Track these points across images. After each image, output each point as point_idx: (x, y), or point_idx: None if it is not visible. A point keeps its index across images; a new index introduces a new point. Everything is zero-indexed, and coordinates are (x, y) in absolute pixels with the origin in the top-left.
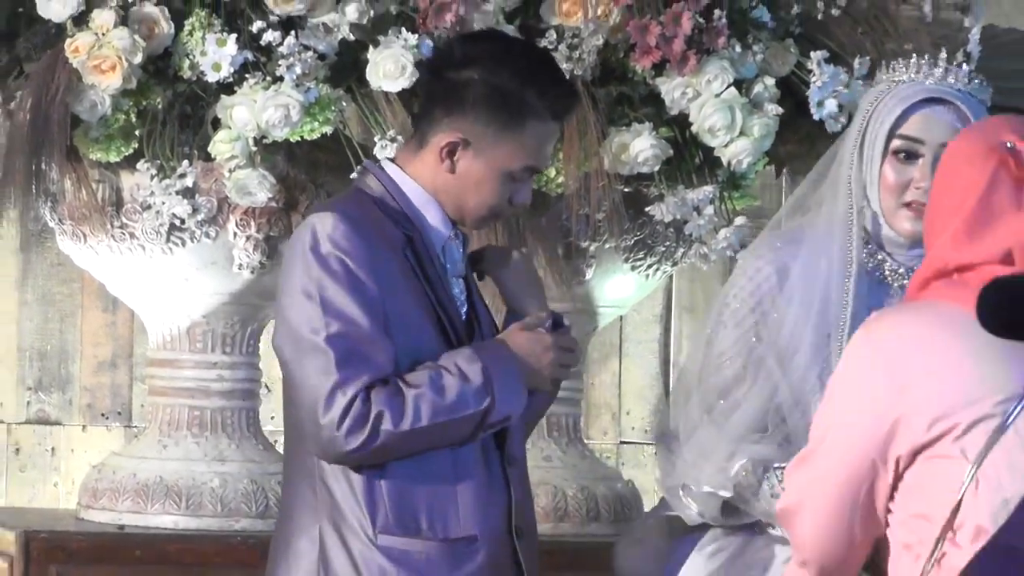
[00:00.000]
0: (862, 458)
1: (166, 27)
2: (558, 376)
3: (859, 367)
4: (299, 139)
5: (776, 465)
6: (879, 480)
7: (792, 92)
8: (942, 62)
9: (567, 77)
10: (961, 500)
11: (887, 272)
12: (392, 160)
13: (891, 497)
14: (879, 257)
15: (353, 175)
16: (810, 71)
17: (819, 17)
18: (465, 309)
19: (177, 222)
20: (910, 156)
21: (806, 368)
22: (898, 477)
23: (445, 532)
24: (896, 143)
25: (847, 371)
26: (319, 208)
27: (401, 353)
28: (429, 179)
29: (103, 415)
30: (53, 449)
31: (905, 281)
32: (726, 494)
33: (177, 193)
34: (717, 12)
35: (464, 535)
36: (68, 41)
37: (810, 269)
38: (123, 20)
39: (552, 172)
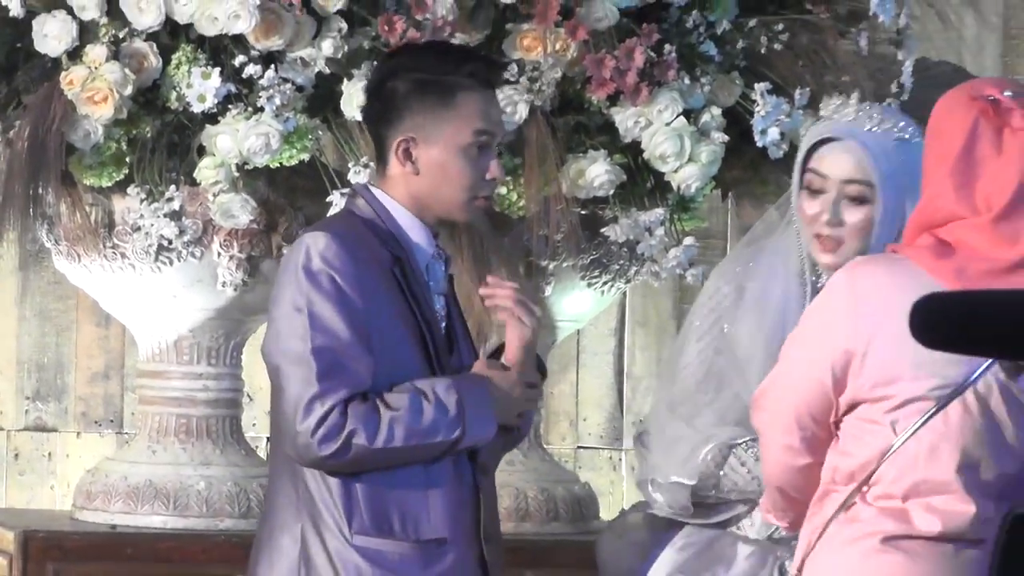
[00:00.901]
0: (813, 378)
1: (155, 61)
2: (525, 409)
3: (831, 294)
4: (278, 165)
5: (739, 440)
6: (826, 405)
7: (737, 121)
8: (854, 102)
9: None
10: (878, 467)
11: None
12: (373, 185)
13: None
14: (818, 272)
15: (329, 199)
16: (754, 101)
17: (762, 51)
18: (444, 325)
19: (165, 243)
20: (815, 191)
21: (761, 376)
22: (837, 420)
23: (417, 533)
24: (806, 176)
25: (820, 298)
26: (313, 228)
27: (384, 366)
28: (405, 192)
29: (96, 422)
30: (50, 454)
31: None
32: (690, 482)
33: (165, 216)
34: (667, 47)
35: (435, 537)
36: (63, 74)
37: (763, 286)
38: (115, 55)
39: (514, 196)
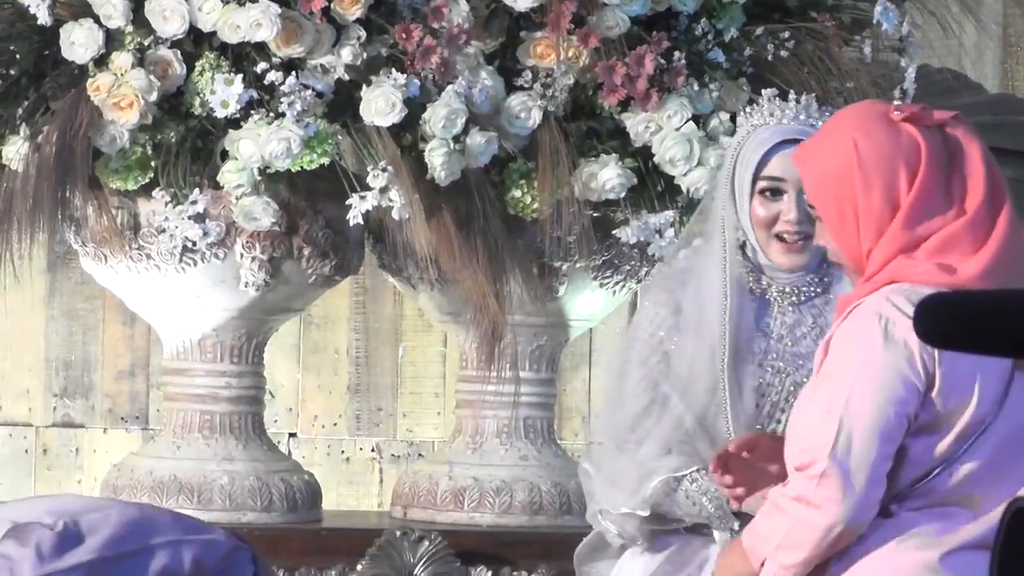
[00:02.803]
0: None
1: (179, 68)
2: None
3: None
4: (299, 169)
5: (685, 472)
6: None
7: None
8: (792, 100)
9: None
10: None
11: (774, 294)
12: None
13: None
14: (764, 283)
15: (348, 201)
16: None
17: (769, 58)
18: None
19: (189, 244)
20: (775, 192)
21: (705, 393)
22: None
23: None
24: (761, 184)
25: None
26: None
27: None
28: None
29: (123, 419)
30: (77, 450)
31: (793, 299)
32: (643, 513)
33: (189, 218)
34: (677, 54)
35: None
36: (90, 81)
37: (699, 302)
38: (140, 62)
39: (528, 199)
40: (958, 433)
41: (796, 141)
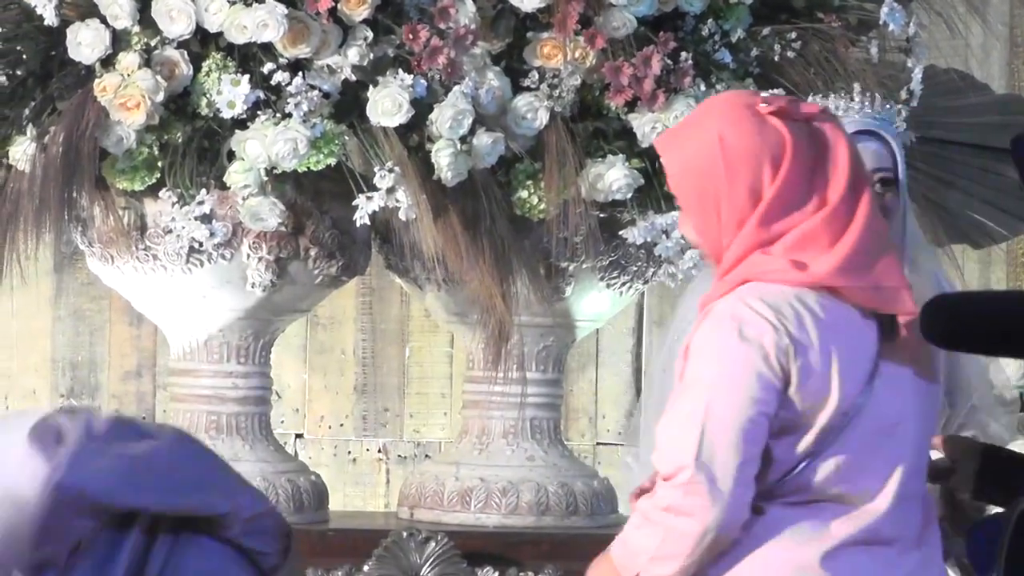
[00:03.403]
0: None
1: (185, 69)
2: None
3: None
4: (306, 170)
5: None
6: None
7: None
8: (857, 96)
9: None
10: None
11: None
12: None
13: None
14: None
15: (355, 202)
16: None
17: (775, 59)
18: None
19: (196, 245)
20: None
21: None
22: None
23: None
24: None
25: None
26: None
27: None
28: None
29: None
30: None
31: None
32: None
33: (196, 219)
34: (683, 54)
35: None
36: (97, 81)
37: None
38: (146, 62)
39: (535, 200)
40: (821, 428)
41: (869, 133)
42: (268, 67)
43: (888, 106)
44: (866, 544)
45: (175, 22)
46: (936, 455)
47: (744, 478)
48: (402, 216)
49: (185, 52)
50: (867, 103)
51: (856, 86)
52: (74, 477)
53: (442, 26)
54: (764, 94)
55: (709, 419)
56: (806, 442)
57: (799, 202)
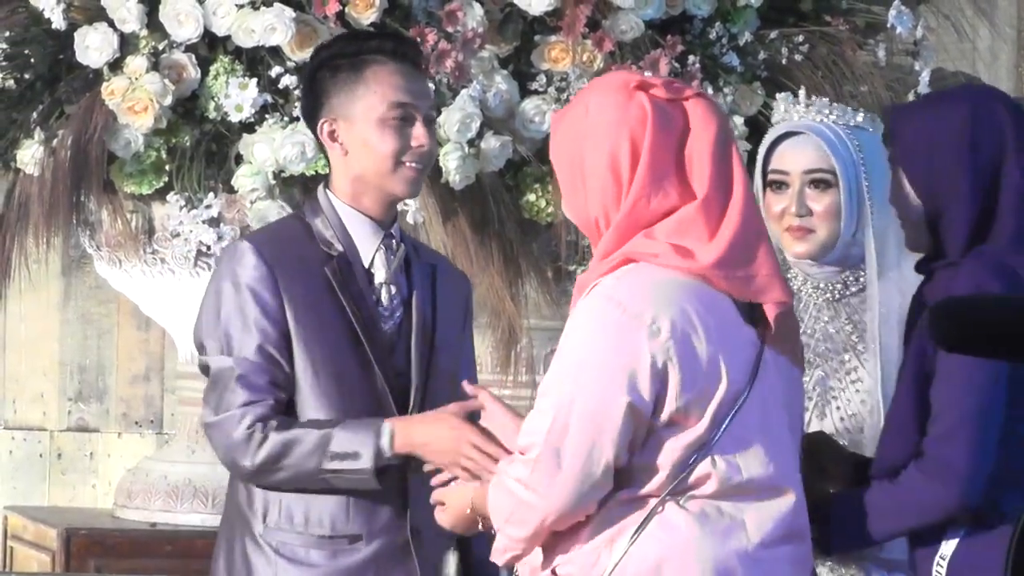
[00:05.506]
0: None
1: (193, 72)
2: (463, 464)
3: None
4: (314, 173)
5: None
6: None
7: (759, 130)
8: (802, 99)
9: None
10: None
11: (808, 290)
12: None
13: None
14: (800, 279)
15: None
16: None
17: (783, 62)
18: (400, 316)
19: (203, 248)
20: (780, 185)
21: None
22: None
23: (323, 529)
24: (769, 177)
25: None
26: (243, 236)
27: (319, 364)
28: (344, 178)
29: (137, 423)
30: (92, 454)
31: (827, 295)
32: None
33: (203, 222)
34: (691, 58)
35: (346, 533)
36: (104, 85)
37: None
38: (154, 66)
39: (542, 203)
40: (711, 417)
41: (798, 134)
42: (276, 71)
43: (858, 111)
44: (786, 541)
45: (183, 26)
46: None
47: (591, 464)
48: (410, 219)
49: (193, 56)
50: (816, 105)
51: (803, 89)
52: None
53: (450, 29)
54: (648, 74)
55: (565, 400)
56: (696, 432)
57: (671, 185)
